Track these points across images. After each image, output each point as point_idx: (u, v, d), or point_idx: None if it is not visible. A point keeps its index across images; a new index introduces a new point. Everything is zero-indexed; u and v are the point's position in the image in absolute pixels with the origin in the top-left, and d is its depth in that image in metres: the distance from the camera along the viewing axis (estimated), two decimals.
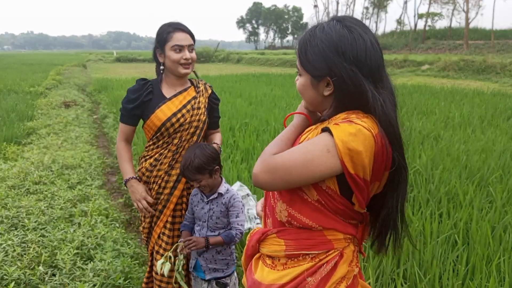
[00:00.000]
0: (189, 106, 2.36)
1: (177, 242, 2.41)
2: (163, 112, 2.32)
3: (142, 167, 2.42)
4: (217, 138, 2.57)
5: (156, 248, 2.45)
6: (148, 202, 2.37)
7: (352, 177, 1.17)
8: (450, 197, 3.91)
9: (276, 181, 1.19)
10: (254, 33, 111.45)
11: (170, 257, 2.20)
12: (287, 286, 1.30)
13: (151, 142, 2.40)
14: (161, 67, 2.37)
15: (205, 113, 2.41)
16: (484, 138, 6.06)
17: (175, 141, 2.35)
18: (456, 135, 6.38)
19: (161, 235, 2.45)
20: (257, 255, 1.44)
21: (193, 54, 2.34)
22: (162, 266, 2.20)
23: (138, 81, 2.40)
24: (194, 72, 2.49)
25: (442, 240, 3.06)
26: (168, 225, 2.44)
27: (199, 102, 2.40)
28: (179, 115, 2.33)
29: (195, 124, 2.35)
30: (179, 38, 2.27)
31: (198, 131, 2.36)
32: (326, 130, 1.19)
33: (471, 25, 41.67)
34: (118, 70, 27.44)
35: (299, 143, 1.29)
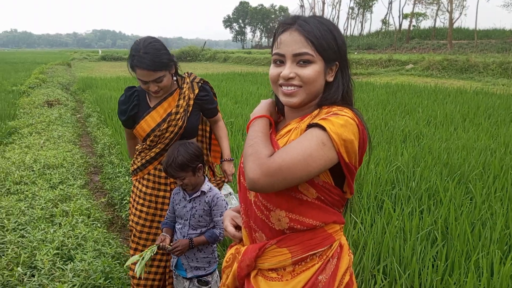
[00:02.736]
0: (173, 116, 2.36)
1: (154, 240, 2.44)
2: (147, 123, 2.36)
3: (134, 160, 2.52)
4: (224, 142, 2.64)
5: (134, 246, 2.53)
6: None
7: (347, 166, 1.22)
8: (431, 194, 3.96)
9: (277, 182, 1.15)
10: (241, 32, 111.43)
11: (143, 257, 2.17)
12: None
13: (143, 144, 2.47)
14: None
15: (183, 118, 2.37)
16: (465, 136, 6.15)
17: (159, 145, 2.40)
18: (438, 133, 6.46)
19: (141, 231, 2.50)
20: (253, 273, 1.38)
21: (162, 83, 2.28)
22: (137, 265, 2.16)
23: (126, 91, 2.44)
24: (177, 73, 2.45)
25: (422, 237, 3.10)
26: (155, 224, 2.49)
27: (178, 106, 2.37)
28: (164, 126, 2.35)
29: (171, 129, 2.36)
30: (141, 74, 2.22)
31: (172, 136, 2.37)
32: (314, 125, 1.20)
33: (455, 25, 42.17)
34: (103, 69, 27.17)
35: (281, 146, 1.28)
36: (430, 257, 2.82)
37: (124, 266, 2.23)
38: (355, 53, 36.76)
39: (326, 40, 1.26)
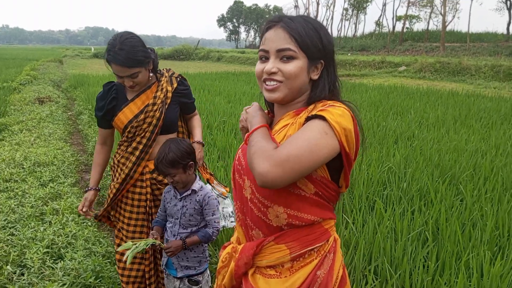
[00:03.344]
0: (150, 107, 2.36)
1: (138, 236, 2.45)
2: (125, 115, 2.36)
3: (116, 155, 2.52)
4: (196, 129, 2.64)
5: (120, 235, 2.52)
6: (84, 211, 2.49)
7: (347, 156, 1.23)
8: (422, 195, 3.98)
9: (287, 173, 1.15)
10: (235, 32, 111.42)
11: (137, 246, 2.16)
12: (302, 287, 1.29)
13: (122, 137, 2.46)
14: None
15: (161, 109, 2.37)
16: (457, 138, 6.19)
17: (138, 138, 2.39)
18: (430, 135, 6.50)
19: (118, 208, 2.50)
20: (251, 271, 1.38)
21: (137, 79, 2.27)
22: (128, 251, 2.14)
23: (104, 86, 2.44)
24: (154, 70, 2.46)
25: (413, 237, 3.12)
26: (132, 221, 2.46)
27: (155, 97, 2.38)
28: (141, 117, 2.35)
29: (148, 120, 2.36)
30: (116, 69, 2.22)
31: (151, 128, 2.36)
32: (314, 117, 1.22)
33: (448, 28, 42.49)
34: (95, 66, 26.98)
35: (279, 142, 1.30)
36: (421, 257, 2.84)
37: (117, 249, 2.22)
38: (349, 54, 36.90)
39: (310, 38, 1.28)
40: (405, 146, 5.73)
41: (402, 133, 6.58)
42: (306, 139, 1.17)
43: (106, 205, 2.51)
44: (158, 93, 2.39)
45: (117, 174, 2.49)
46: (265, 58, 1.33)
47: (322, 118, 1.20)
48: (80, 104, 10.51)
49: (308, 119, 1.24)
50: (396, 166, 4.66)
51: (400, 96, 11.57)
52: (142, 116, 2.34)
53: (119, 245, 2.48)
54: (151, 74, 2.39)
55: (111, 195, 2.46)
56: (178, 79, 2.51)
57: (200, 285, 2.39)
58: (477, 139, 6.18)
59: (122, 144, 2.46)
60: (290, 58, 1.28)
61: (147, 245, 2.17)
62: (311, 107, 1.31)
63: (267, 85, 1.32)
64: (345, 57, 29.81)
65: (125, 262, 2.08)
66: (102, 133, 2.54)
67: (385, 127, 6.98)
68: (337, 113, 1.20)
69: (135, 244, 2.13)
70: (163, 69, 2.52)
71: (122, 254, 2.43)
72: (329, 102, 1.28)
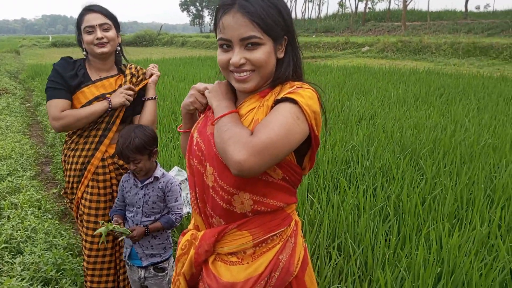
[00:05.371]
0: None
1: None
2: (84, 95, 2.27)
3: (68, 143, 2.38)
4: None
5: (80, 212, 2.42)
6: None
7: (315, 138, 1.22)
8: (384, 172, 4.06)
9: (265, 161, 1.11)
10: (198, 16, 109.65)
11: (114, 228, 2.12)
12: (265, 273, 1.27)
13: None
14: (84, 52, 2.32)
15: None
16: (417, 115, 6.35)
17: (95, 124, 2.30)
18: (392, 112, 6.63)
19: (83, 201, 2.36)
20: (211, 258, 1.35)
21: (109, 33, 2.23)
22: (101, 233, 2.08)
23: (66, 58, 2.34)
24: (123, 56, 2.44)
25: (375, 213, 3.19)
26: (100, 211, 2.36)
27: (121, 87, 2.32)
28: (102, 101, 2.26)
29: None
30: (89, 19, 2.21)
31: (108, 118, 2.29)
32: (284, 100, 1.18)
33: (409, 7, 43.10)
34: (54, 56, 26.05)
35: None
36: (382, 232, 2.91)
37: (94, 233, 2.15)
38: (313, 36, 37.00)
39: (272, 18, 1.21)
40: (368, 125, 5.83)
41: (365, 112, 6.69)
42: (281, 124, 1.13)
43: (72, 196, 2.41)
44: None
45: (73, 165, 2.36)
46: (226, 46, 1.24)
47: (293, 101, 1.16)
48: (38, 95, 10.14)
49: (277, 101, 1.20)
50: (359, 145, 4.73)
51: (363, 76, 11.74)
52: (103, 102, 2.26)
53: (86, 247, 2.38)
54: (118, 48, 2.36)
55: (73, 184, 2.36)
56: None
57: (166, 271, 2.37)
58: (437, 115, 6.35)
59: (75, 131, 2.35)
60: (255, 45, 1.21)
61: (122, 231, 2.12)
62: (278, 88, 1.28)
63: (236, 76, 1.25)
64: (310, 39, 29.89)
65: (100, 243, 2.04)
66: (61, 105, 2.21)
67: (349, 107, 7.07)
68: (307, 95, 1.18)
69: (114, 227, 2.09)
70: (128, 64, 2.46)
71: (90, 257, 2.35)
72: (296, 83, 1.25)
